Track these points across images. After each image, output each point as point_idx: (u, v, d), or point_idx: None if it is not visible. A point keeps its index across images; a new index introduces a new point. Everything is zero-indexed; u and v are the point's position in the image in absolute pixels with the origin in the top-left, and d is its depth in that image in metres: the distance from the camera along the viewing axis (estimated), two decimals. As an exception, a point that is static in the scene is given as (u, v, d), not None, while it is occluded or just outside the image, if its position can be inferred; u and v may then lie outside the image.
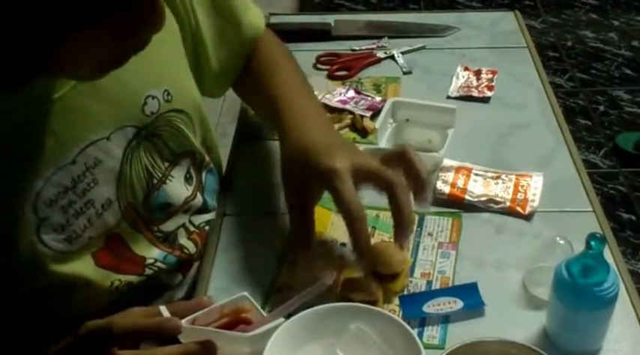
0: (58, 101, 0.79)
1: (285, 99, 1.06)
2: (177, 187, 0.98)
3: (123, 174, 0.88)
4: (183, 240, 1.03)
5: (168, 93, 0.94)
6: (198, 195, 1.03)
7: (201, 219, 1.05)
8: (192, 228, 1.03)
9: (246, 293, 0.97)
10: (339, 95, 1.48)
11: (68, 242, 0.82)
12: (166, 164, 0.96)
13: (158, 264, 0.99)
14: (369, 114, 1.42)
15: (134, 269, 0.95)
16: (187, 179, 1.00)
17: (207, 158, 1.07)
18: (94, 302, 0.88)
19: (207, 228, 1.06)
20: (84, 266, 0.86)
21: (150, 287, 0.98)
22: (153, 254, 0.98)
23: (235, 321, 0.96)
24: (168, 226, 0.98)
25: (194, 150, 1.01)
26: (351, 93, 1.49)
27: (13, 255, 0.78)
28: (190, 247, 1.05)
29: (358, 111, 1.43)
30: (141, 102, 0.89)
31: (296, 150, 0.98)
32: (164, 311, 0.94)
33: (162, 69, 0.95)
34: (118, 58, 0.74)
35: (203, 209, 1.06)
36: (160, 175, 0.95)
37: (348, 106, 1.45)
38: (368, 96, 1.48)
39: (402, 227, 0.97)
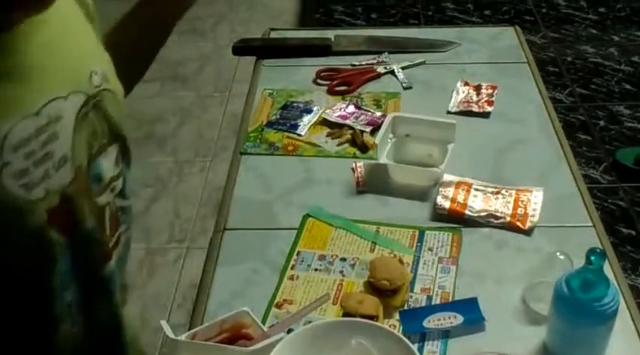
0: (21, 61, 0.84)
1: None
2: (108, 164, 1.02)
3: (76, 136, 0.92)
4: (107, 218, 1.04)
5: (105, 75, 0.99)
6: (121, 177, 1.06)
7: (120, 202, 1.07)
8: (114, 208, 1.04)
9: (246, 309, 0.98)
10: (339, 110, 1.49)
11: (25, 188, 0.84)
12: (104, 140, 1.00)
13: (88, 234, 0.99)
14: (369, 129, 1.43)
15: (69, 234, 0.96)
16: (116, 161, 1.03)
17: (130, 149, 1.10)
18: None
19: (121, 218, 1.07)
20: (38, 220, 0.87)
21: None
22: (88, 224, 0.99)
23: (236, 336, 0.96)
24: (101, 200, 1.01)
25: (124, 137, 1.05)
26: (351, 108, 1.49)
27: None
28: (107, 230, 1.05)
29: (358, 127, 1.43)
30: (87, 73, 0.94)
31: None
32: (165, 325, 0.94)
33: (99, 53, 1.01)
34: None
35: (122, 194, 1.07)
36: (98, 147, 0.99)
37: (348, 121, 1.45)
38: (368, 111, 1.48)
39: None
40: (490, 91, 1.53)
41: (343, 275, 1.13)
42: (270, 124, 1.47)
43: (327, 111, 1.49)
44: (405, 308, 1.07)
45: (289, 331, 0.96)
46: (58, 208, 0.88)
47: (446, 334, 1.03)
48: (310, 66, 1.63)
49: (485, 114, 1.48)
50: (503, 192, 1.25)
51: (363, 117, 1.46)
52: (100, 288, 0.99)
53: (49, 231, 0.88)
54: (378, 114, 1.47)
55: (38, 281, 0.91)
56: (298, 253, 1.17)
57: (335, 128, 1.45)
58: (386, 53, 1.67)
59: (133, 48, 1.15)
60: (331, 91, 1.56)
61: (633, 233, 2.58)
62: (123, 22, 1.15)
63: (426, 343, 1.02)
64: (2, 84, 0.82)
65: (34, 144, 0.84)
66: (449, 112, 1.48)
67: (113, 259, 1.01)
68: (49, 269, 0.89)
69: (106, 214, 1.00)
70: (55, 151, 0.87)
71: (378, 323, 0.99)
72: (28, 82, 0.85)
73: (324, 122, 1.47)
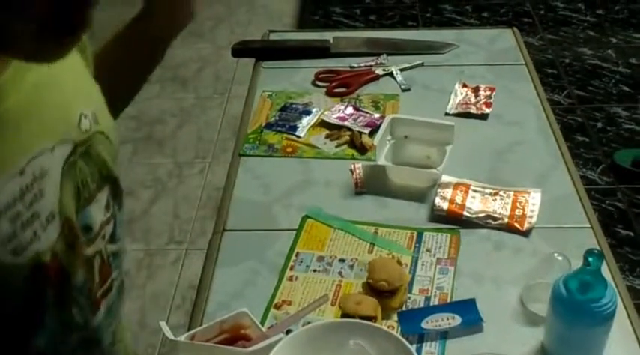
0: (7, 111, 0.79)
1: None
2: (98, 211, 0.96)
3: (63, 189, 0.88)
4: (96, 267, 1.01)
5: (95, 115, 0.93)
6: (112, 221, 1.02)
7: (110, 248, 1.04)
8: (105, 256, 1.01)
9: (245, 310, 0.98)
10: (337, 112, 1.49)
11: (14, 254, 0.80)
12: (94, 185, 0.95)
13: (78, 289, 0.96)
14: (367, 130, 1.43)
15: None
16: (106, 206, 0.98)
17: (121, 188, 1.06)
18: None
19: (113, 264, 1.02)
20: (27, 279, 0.84)
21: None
22: (78, 277, 0.96)
23: (235, 337, 0.97)
24: (90, 250, 0.97)
25: (115, 178, 1.00)
26: (350, 109, 1.50)
27: None
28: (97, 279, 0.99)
29: (357, 128, 1.44)
30: (76, 118, 0.90)
31: None
32: (164, 326, 0.95)
33: (89, 89, 0.96)
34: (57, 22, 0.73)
35: (113, 237, 1.03)
36: (87, 196, 0.94)
37: (346, 123, 1.45)
38: (367, 113, 1.49)
39: None
40: (488, 93, 1.53)
41: (342, 276, 1.13)
42: (269, 126, 1.47)
43: (326, 112, 1.49)
44: (404, 309, 1.07)
45: (288, 332, 0.97)
46: (47, 265, 0.84)
47: (444, 335, 1.03)
48: (309, 68, 1.64)
49: (484, 116, 1.48)
50: (501, 193, 1.26)
51: (361, 118, 1.47)
52: (90, 338, 0.96)
53: (38, 288, 0.85)
54: (377, 115, 1.48)
55: (26, 336, 0.87)
56: (297, 254, 1.18)
57: (334, 129, 1.45)
58: (384, 55, 1.67)
59: (126, 65, 1.11)
60: (330, 93, 1.57)
61: (631, 234, 2.58)
62: (117, 39, 1.10)
63: (424, 344, 1.02)
64: None
65: (20, 205, 0.79)
66: (447, 114, 1.49)
67: (102, 308, 0.97)
68: (37, 323, 0.86)
69: (95, 263, 0.96)
70: (41, 210, 0.82)
71: (376, 324, 0.99)
72: (13, 134, 0.79)
73: (322, 123, 1.47)
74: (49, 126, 0.85)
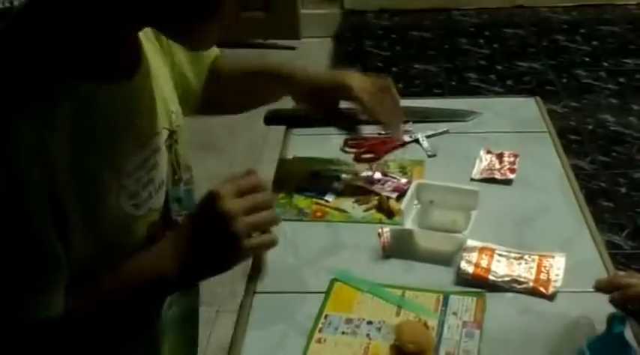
0: (144, 94, 1.03)
1: (273, 64, 1.51)
2: (182, 189, 1.18)
3: (167, 165, 1.10)
4: None
5: (178, 113, 1.15)
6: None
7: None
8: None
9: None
10: (365, 177, 1.53)
11: (135, 207, 1.02)
12: (179, 169, 1.15)
13: None
14: (394, 195, 1.46)
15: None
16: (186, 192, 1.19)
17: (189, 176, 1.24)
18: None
19: None
20: (140, 232, 1.04)
21: None
22: None
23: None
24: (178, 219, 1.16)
25: (189, 166, 1.20)
26: (378, 175, 1.53)
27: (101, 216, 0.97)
28: None
29: (384, 193, 1.47)
30: (170, 113, 1.12)
31: (318, 77, 1.47)
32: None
33: (173, 90, 1.18)
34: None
35: None
36: (176, 177, 1.15)
37: (374, 188, 1.49)
38: (394, 178, 1.52)
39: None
40: (512, 159, 1.56)
41: (370, 339, 1.15)
42: (299, 190, 1.51)
43: (354, 178, 1.53)
44: (431, 371, 1.09)
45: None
46: (156, 223, 1.07)
47: (471, 397, 1.04)
48: (338, 134, 1.68)
49: (508, 182, 1.51)
50: (525, 257, 1.28)
51: (389, 183, 1.50)
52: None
53: (147, 241, 1.04)
54: (404, 180, 1.51)
55: None
56: (326, 316, 1.20)
57: (362, 194, 1.49)
58: (411, 122, 1.71)
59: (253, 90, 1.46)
60: (358, 159, 1.61)
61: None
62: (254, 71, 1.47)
63: (451, 406, 1.03)
64: (132, 119, 1.00)
65: (142, 171, 1.02)
66: (472, 179, 1.52)
67: None
68: None
69: None
70: (155, 177, 1.05)
71: (404, 386, 1.01)
72: (145, 118, 1.04)
73: (351, 188, 1.51)
74: (159, 115, 1.07)
